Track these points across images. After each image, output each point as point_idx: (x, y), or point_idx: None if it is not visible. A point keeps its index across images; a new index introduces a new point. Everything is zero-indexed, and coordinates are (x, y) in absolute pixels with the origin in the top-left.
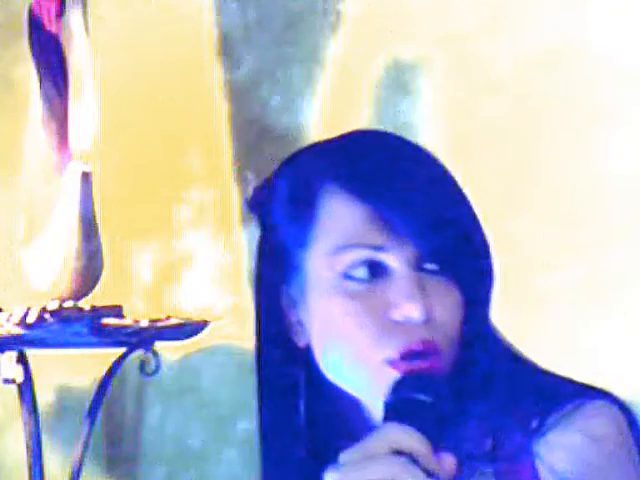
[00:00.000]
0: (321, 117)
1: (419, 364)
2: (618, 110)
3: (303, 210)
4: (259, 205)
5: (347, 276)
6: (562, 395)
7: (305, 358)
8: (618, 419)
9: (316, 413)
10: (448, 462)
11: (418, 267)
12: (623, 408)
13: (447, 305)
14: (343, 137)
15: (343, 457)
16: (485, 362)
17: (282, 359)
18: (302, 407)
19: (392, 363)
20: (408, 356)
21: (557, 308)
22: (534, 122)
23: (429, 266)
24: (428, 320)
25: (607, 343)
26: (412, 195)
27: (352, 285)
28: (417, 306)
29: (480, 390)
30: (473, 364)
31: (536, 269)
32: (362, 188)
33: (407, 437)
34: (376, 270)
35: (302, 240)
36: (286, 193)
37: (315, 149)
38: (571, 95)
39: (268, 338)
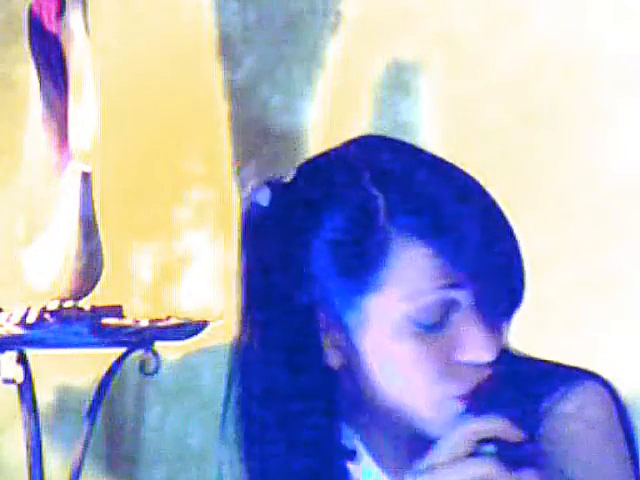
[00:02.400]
0: (321, 117)
1: None
2: (618, 110)
3: (367, 254)
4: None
5: (416, 321)
6: (552, 380)
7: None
8: (608, 401)
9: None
10: (530, 476)
11: (482, 306)
12: (610, 389)
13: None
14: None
15: (426, 462)
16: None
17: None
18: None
19: (454, 398)
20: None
21: (557, 307)
22: (534, 122)
23: (495, 308)
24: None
25: (607, 342)
26: (474, 236)
27: (420, 329)
28: (489, 351)
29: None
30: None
31: (536, 268)
32: (431, 233)
33: (485, 423)
34: (449, 308)
35: (362, 283)
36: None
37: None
38: (571, 95)
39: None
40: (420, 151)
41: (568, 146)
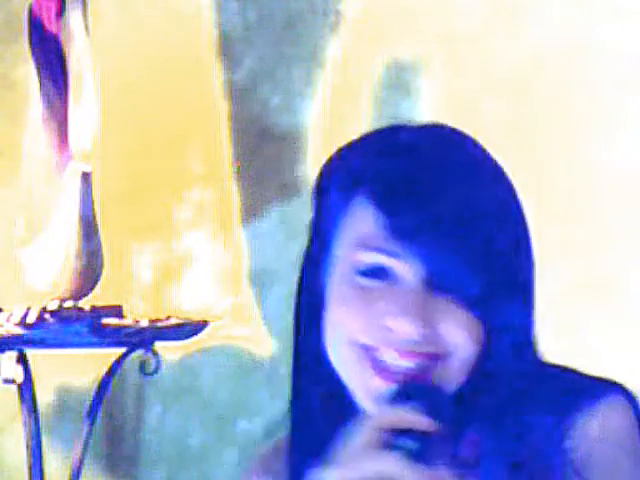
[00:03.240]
0: (321, 117)
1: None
2: (618, 109)
3: (341, 203)
4: (317, 186)
5: (360, 272)
6: (577, 394)
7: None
8: (630, 413)
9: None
10: (442, 471)
11: (428, 284)
12: (634, 402)
13: (455, 328)
14: (394, 133)
15: (337, 452)
16: (512, 381)
17: (310, 321)
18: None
19: (368, 349)
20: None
21: (556, 307)
22: (534, 122)
23: (441, 286)
24: (424, 338)
25: (607, 341)
26: (432, 213)
27: (363, 281)
28: (413, 324)
29: (503, 399)
30: (498, 382)
31: (538, 268)
32: (382, 198)
33: (393, 417)
34: (388, 276)
35: (337, 228)
36: (333, 182)
37: (362, 144)
38: (571, 94)
39: (304, 301)
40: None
41: (568, 146)
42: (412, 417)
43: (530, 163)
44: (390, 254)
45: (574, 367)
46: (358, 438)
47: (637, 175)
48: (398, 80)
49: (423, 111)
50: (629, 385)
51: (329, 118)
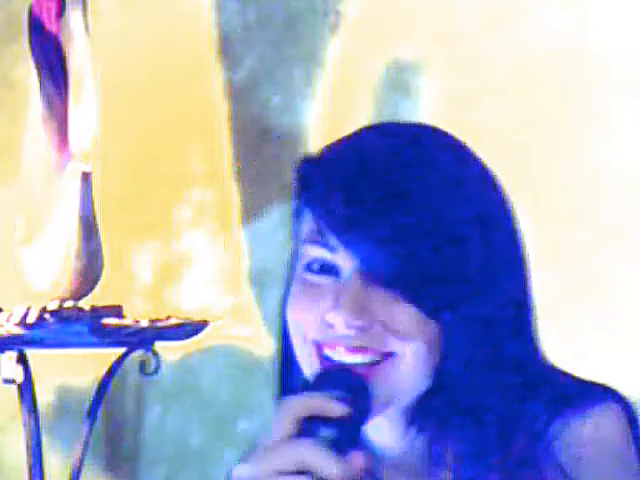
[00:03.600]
0: (321, 117)
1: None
2: (617, 110)
3: (298, 209)
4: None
5: (307, 269)
6: (569, 397)
7: None
8: (623, 420)
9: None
10: (356, 456)
11: (366, 278)
12: (626, 406)
13: (396, 321)
14: (345, 138)
15: (258, 445)
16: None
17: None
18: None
19: (321, 353)
20: (335, 364)
21: (555, 307)
22: (534, 122)
23: (377, 280)
24: (357, 330)
25: (606, 342)
26: (359, 212)
27: (308, 276)
28: (344, 317)
29: (479, 400)
30: (458, 378)
31: (535, 268)
32: (313, 199)
33: (305, 403)
34: (330, 270)
35: (298, 232)
36: (294, 193)
37: (321, 151)
38: (571, 95)
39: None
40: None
41: (568, 146)
42: (326, 403)
43: (530, 163)
44: (328, 248)
45: (571, 370)
46: (274, 428)
47: (636, 175)
48: (398, 80)
49: (423, 111)
50: (626, 386)
51: (329, 118)
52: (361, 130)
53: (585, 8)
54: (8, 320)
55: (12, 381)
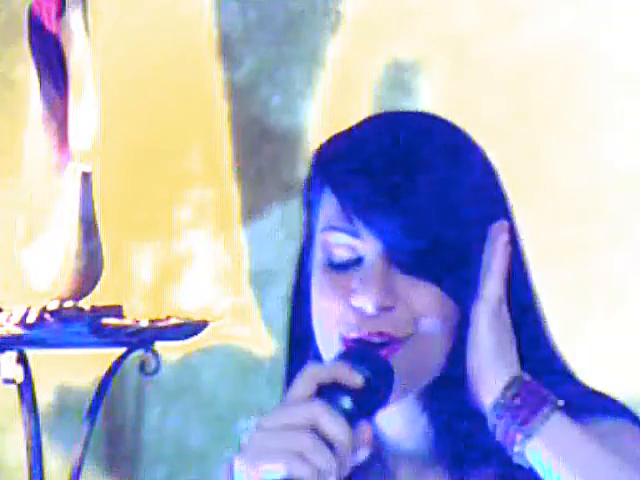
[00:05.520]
0: (321, 117)
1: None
2: (618, 109)
3: (313, 199)
4: (304, 191)
5: (330, 258)
6: (580, 408)
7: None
8: (638, 437)
9: None
10: (364, 430)
11: (391, 263)
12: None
13: (420, 303)
14: (357, 125)
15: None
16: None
17: (302, 325)
18: None
19: (345, 340)
20: (359, 342)
21: (557, 307)
22: (534, 122)
23: (403, 263)
24: (384, 313)
25: (606, 342)
26: (385, 195)
27: (333, 267)
28: (371, 298)
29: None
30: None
31: (535, 268)
32: (337, 184)
33: (324, 369)
34: (354, 258)
35: (314, 224)
36: (307, 183)
37: (331, 140)
38: (571, 95)
39: (296, 305)
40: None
41: (568, 146)
42: (346, 372)
43: (530, 163)
44: (351, 233)
45: (571, 370)
46: (293, 388)
47: (637, 175)
48: (398, 80)
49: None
50: (628, 385)
51: (329, 118)
52: (371, 118)
53: (585, 8)
54: (8, 320)
55: (12, 381)
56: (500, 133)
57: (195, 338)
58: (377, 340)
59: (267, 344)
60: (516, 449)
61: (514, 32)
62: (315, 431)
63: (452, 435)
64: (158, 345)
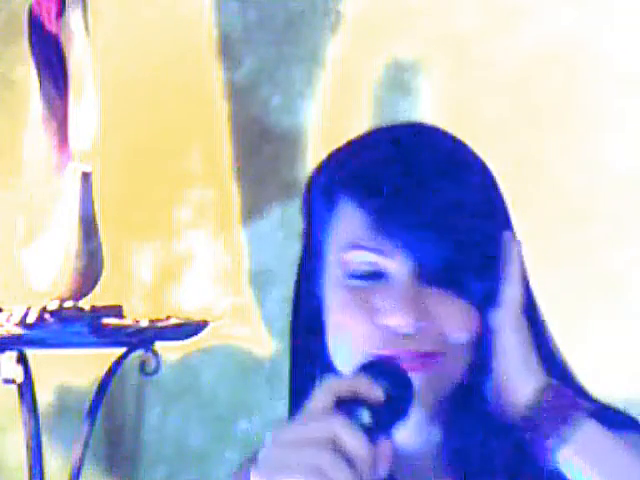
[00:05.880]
0: (321, 117)
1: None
2: (618, 110)
3: (326, 209)
4: (305, 195)
5: (352, 274)
6: (604, 413)
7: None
8: None
9: None
10: (384, 445)
11: (418, 278)
12: None
13: (451, 317)
14: (371, 137)
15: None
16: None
17: (310, 334)
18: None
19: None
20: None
21: (556, 307)
22: (534, 122)
23: (431, 278)
24: (420, 331)
25: (607, 342)
26: (415, 208)
27: (355, 283)
28: (405, 316)
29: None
30: (478, 374)
31: (535, 268)
32: (364, 197)
33: (344, 383)
34: (378, 275)
35: (326, 234)
36: (318, 190)
37: (343, 150)
38: (571, 95)
39: (302, 314)
40: (415, 132)
41: (568, 146)
42: (367, 387)
43: (530, 163)
44: (378, 252)
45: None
46: (312, 401)
47: (638, 175)
48: (398, 80)
49: (423, 111)
50: (627, 385)
51: (329, 118)
52: (383, 130)
53: (585, 8)
54: (8, 320)
55: (12, 381)
56: (500, 133)
57: (195, 338)
58: (413, 359)
59: (267, 344)
60: (548, 455)
61: (514, 32)
62: (334, 446)
63: (463, 447)
64: (158, 345)
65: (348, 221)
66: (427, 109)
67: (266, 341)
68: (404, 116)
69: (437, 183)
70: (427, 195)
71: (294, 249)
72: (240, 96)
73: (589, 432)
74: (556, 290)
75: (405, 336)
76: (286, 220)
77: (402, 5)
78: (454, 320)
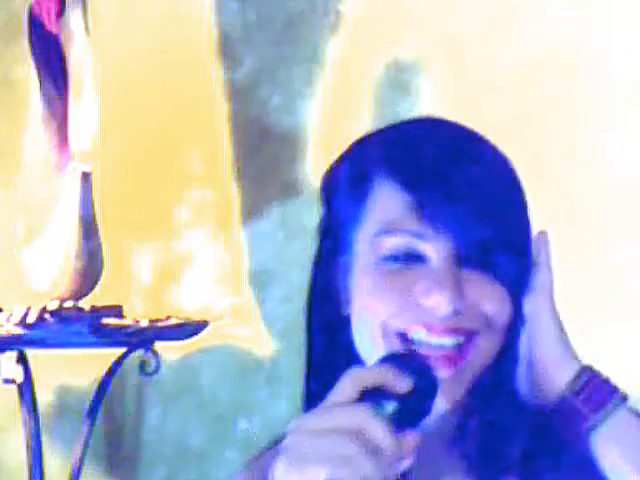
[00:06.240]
0: (321, 117)
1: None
2: (618, 110)
3: (359, 194)
4: (326, 186)
5: (386, 258)
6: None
7: (346, 326)
8: None
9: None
10: (410, 437)
11: (457, 261)
12: None
13: (488, 300)
14: (405, 124)
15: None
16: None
17: (328, 323)
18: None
19: (401, 335)
20: (428, 328)
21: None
22: (534, 122)
23: (469, 261)
24: (458, 313)
25: (607, 342)
26: (455, 190)
27: (389, 266)
28: (445, 298)
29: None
30: (504, 362)
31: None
32: (407, 178)
33: (370, 372)
34: (414, 258)
35: (355, 221)
36: (347, 177)
37: (376, 135)
38: (571, 95)
39: (318, 302)
40: (446, 124)
41: (568, 145)
42: (392, 377)
43: (530, 163)
44: (415, 235)
45: None
46: (336, 391)
47: (638, 175)
48: (398, 80)
49: (423, 111)
50: (627, 385)
51: (329, 118)
52: (420, 121)
53: (585, 8)
54: (8, 320)
55: (12, 381)
56: (500, 133)
57: (195, 338)
58: (442, 342)
59: (267, 344)
60: (582, 438)
61: (514, 32)
62: (360, 436)
63: (476, 437)
64: (158, 345)
65: (386, 203)
66: (427, 109)
67: (266, 341)
68: (404, 116)
69: (473, 168)
70: (465, 179)
71: (294, 249)
72: (240, 96)
73: (624, 417)
74: (556, 290)
75: (442, 318)
76: (286, 220)
77: (402, 5)
78: (491, 302)
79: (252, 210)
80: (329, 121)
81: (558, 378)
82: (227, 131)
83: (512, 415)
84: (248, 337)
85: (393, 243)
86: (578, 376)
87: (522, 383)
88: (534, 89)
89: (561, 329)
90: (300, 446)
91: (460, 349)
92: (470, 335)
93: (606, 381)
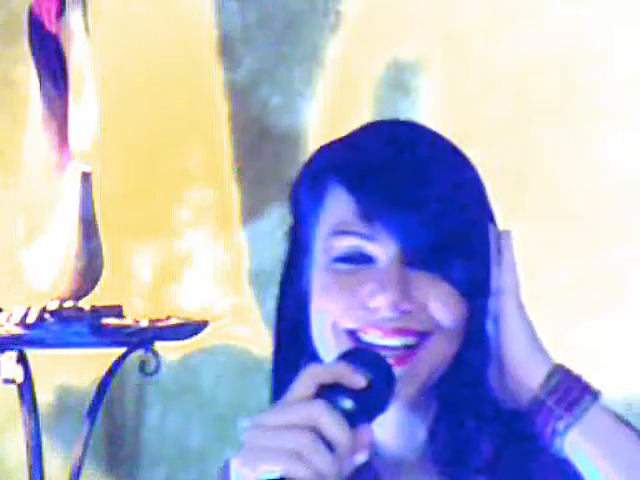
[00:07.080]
0: (321, 117)
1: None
2: (617, 110)
3: (315, 197)
4: (293, 192)
5: (337, 259)
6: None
7: (307, 325)
8: None
9: None
10: (364, 432)
11: (404, 262)
12: None
13: (436, 300)
14: (360, 130)
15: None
16: (481, 363)
17: (292, 321)
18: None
19: (351, 333)
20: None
21: (555, 308)
22: (534, 122)
23: (417, 262)
24: (406, 313)
25: (607, 341)
26: (401, 193)
27: (339, 267)
28: (389, 299)
29: (479, 395)
30: (471, 364)
31: (535, 269)
32: (354, 183)
33: (327, 369)
34: (364, 259)
35: (314, 223)
36: (306, 183)
37: (333, 143)
38: (570, 95)
39: (284, 302)
40: (401, 126)
41: (568, 146)
42: (348, 373)
43: (529, 163)
44: (365, 237)
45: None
46: (294, 387)
47: (637, 175)
48: (398, 80)
49: (423, 111)
50: (627, 385)
51: (329, 118)
52: (373, 125)
53: (585, 8)
54: (8, 320)
55: (12, 381)
56: (500, 133)
57: (195, 338)
58: (391, 342)
59: (267, 344)
60: (556, 438)
61: (514, 32)
62: (315, 431)
63: (446, 440)
64: (158, 345)
65: (336, 207)
66: (427, 109)
67: (266, 341)
68: (404, 116)
69: (423, 171)
70: (413, 182)
71: None
72: (240, 96)
73: (597, 416)
74: (555, 290)
75: (388, 318)
76: (286, 220)
77: (402, 5)
78: (440, 303)
79: (252, 210)
80: (329, 121)
81: (530, 379)
82: (227, 131)
83: (483, 416)
84: (248, 337)
85: (343, 244)
86: (550, 376)
87: (495, 384)
88: (533, 89)
89: (531, 329)
90: (255, 442)
91: (411, 350)
92: (422, 336)
93: (578, 379)
